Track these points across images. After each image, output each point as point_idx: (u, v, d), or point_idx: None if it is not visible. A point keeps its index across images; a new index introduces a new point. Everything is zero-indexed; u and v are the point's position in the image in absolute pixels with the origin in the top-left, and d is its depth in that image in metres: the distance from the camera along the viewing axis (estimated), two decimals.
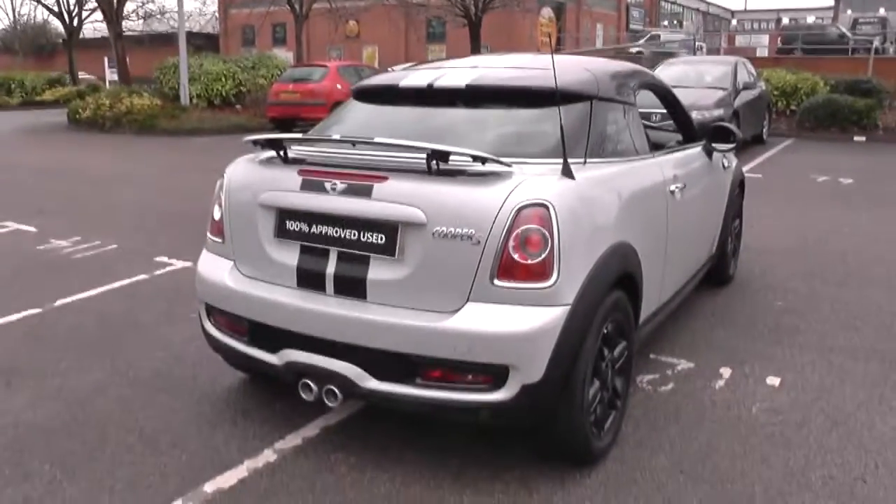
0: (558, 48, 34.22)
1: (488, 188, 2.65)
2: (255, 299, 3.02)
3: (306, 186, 2.90)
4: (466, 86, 3.21)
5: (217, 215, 3.29)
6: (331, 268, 2.84)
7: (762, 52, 30.17)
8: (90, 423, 3.38)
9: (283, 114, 16.25)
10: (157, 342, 4.32)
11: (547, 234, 2.58)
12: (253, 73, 18.98)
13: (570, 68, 3.35)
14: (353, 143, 2.91)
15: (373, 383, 2.74)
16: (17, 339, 4.39)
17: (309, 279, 2.90)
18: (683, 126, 4.44)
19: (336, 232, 2.83)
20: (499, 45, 26.12)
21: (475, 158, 2.68)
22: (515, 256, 2.58)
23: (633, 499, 2.79)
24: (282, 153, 3.06)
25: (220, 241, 3.26)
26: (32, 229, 7.17)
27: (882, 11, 40.29)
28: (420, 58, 31.96)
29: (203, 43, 35.70)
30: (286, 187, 2.96)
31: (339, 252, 2.84)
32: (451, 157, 2.68)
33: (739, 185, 5.33)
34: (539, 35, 33.90)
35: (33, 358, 4.10)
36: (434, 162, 2.69)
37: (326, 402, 2.85)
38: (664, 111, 4.39)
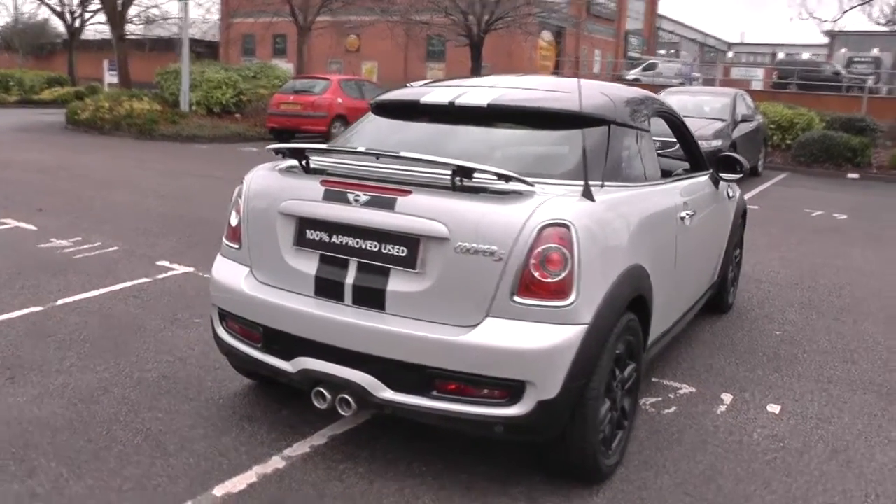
0: (556, 72, 34.52)
1: (511, 206, 2.70)
2: (271, 306, 3.04)
3: (329, 196, 2.93)
4: (488, 105, 3.26)
5: (234, 221, 3.32)
6: (350, 278, 2.88)
7: (757, 86, 30.54)
8: (96, 421, 3.38)
9: (284, 125, 16.30)
10: (162, 345, 4.33)
11: (567, 253, 2.63)
12: (254, 82, 19.03)
13: (589, 92, 3.42)
14: (377, 156, 2.95)
15: (387, 393, 2.77)
16: (19, 336, 4.38)
17: (327, 288, 2.93)
18: (692, 154, 4.51)
19: (357, 243, 2.87)
20: (499, 66, 26.28)
21: (500, 176, 2.72)
22: (536, 274, 2.63)
23: None
24: (303, 163, 3.10)
25: (236, 247, 3.28)
26: (33, 227, 7.16)
27: (875, 52, 40.94)
28: (419, 75, 32.10)
29: (204, 51, 35.77)
30: (308, 196, 3.00)
31: (359, 263, 2.87)
32: (475, 174, 2.73)
33: (742, 214, 5.42)
34: (538, 58, 34.22)
35: (36, 354, 4.10)
36: (458, 178, 2.74)
37: (339, 410, 2.87)
38: (665, 138, 4.44)
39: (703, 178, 4.37)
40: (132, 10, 23.42)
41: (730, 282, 5.32)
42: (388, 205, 2.80)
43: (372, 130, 3.59)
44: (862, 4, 17.12)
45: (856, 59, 36.73)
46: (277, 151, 3.22)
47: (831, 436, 3.58)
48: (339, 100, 16.29)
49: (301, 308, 2.96)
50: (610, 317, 2.77)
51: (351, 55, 36.02)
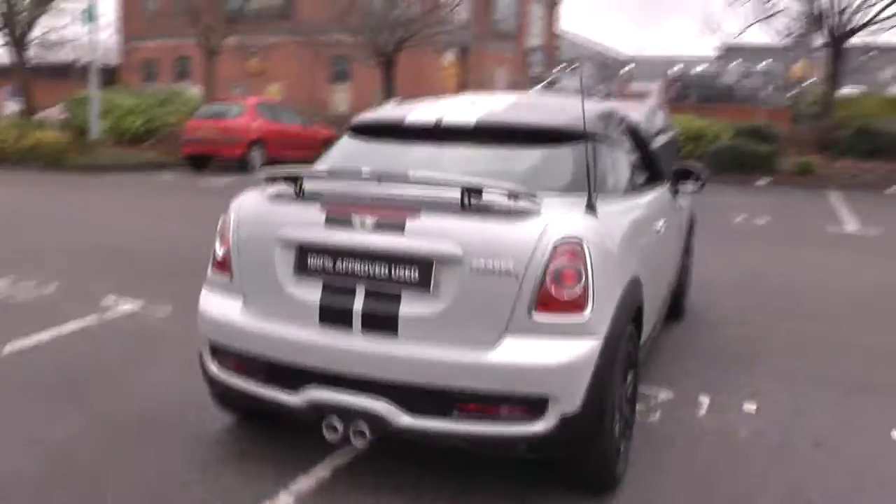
0: (461, 91, 34.99)
1: (523, 224, 2.73)
2: (273, 338, 2.96)
3: (331, 222, 2.89)
4: (476, 123, 3.28)
5: (221, 252, 3.21)
6: (358, 304, 2.83)
7: (651, 98, 31.59)
8: (79, 473, 3.19)
9: (200, 151, 15.86)
10: (129, 388, 4.11)
11: (581, 268, 2.68)
12: (164, 108, 18.46)
13: (569, 108, 3.50)
14: (379, 179, 2.92)
15: (406, 419, 2.74)
16: None
17: (333, 316, 2.87)
18: (651, 166, 4.66)
19: (364, 268, 2.83)
20: (406, 86, 26.28)
21: (509, 194, 2.75)
22: (552, 290, 2.66)
23: None
24: (298, 188, 3.04)
25: (226, 278, 3.17)
26: None
27: (763, 64, 43.46)
28: (324, 97, 31.89)
29: (102, 76, 34.34)
30: (307, 222, 2.94)
31: (367, 288, 2.83)
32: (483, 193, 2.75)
33: (690, 223, 5.63)
34: (444, 77, 34.60)
35: None
36: (467, 197, 2.75)
37: (353, 441, 2.81)
38: None
39: (664, 189, 4.53)
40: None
41: (684, 288, 5.51)
42: (398, 228, 2.77)
43: (353, 153, 3.55)
44: (765, 19, 18.21)
45: (750, 72, 38.85)
46: (270, 179, 3.15)
47: (809, 429, 3.76)
48: (256, 124, 15.98)
49: (306, 338, 2.89)
50: (620, 327, 2.83)
51: (254, 78, 35.43)
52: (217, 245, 3.26)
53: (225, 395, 3.30)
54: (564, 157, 3.23)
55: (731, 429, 3.74)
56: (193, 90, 21.72)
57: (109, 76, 37.83)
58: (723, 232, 9.67)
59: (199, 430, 3.61)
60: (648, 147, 4.54)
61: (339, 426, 2.81)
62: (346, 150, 3.60)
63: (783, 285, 6.78)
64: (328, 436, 2.85)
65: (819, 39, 18.11)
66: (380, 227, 2.80)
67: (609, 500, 3.00)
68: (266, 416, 3.54)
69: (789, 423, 3.83)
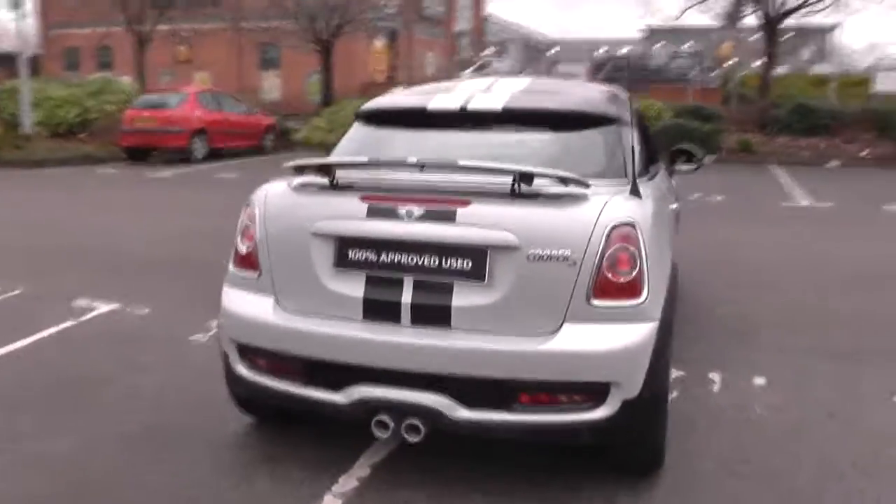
0: (392, 76, 34.72)
1: (577, 209, 2.69)
2: (313, 336, 2.84)
3: (374, 213, 2.78)
4: (503, 108, 3.21)
5: (245, 248, 3.06)
6: (407, 297, 2.74)
7: (582, 80, 31.92)
8: (96, 488, 3.01)
9: (140, 142, 15.25)
10: (127, 394, 3.91)
11: (636, 252, 2.65)
12: (99, 98, 17.63)
13: (587, 92, 3.46)
14: (422, 167, 2.82)
15: (464, 413, 2.67)
16: None
17: (379, 310, 2.78)
18: (649, 147, 4.68)
19: (412, 259, 2.74)
20: (338, 72, 25.67)
21: (560, 179, 2.70)
22: (609, 275, 2.63)
23: (706, 502, 2.91)
24: (332, 179, 2.92)
25: (253, 275, 3.02)
26: None
27: (687, 46, 44.47)
28: (254, 84, 31.22)
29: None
30: (347, 215, 2.82)
31: (415, 280, 2.74)
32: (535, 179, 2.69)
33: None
34: (374, 62, 34.24)
35: None
36: (518, 184, 2.68)
37: (407, 437, 2.73)
38: None
39: (663, 170, 4.56)
40: None
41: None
42: (448, 217, 2.69)
43: (371, 142, 3.42)
44: (700, 2, 18.62)
45: (678, 54, 39.73)
46: (299, 169, 3.02)
47: (819, 400, 3.86)
48: (198, 113, 15.47)
49: (351, 334, 2.78)
50: (670, 310, 2.83)
51: (182, 65, 34.35)
52: (239, 240, 3.10)
53: (255, 398, 3.16)
54: (594, 142, 3.19)
55: (747, 404, 3.80)
56: (125, 80, 20.84)
57: (32, 66, 36.04)
58: (684, 208, 9.85)
59: (215, 434, 3.46)
60: (646, 129, 4.56)
61: (391, 423, 2.72)
62: (363, 139, 3.46)
63: (759, 260, 6.96)
64: (378, 433, 2.76)
65: (755, 21, 18.63)
66: (429, 216, 2.71)
67: (654, 479, 3.02)
68: (287, 417, 3.43)
69: (799, 395, 3.92)
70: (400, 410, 2.71)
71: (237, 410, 3.47)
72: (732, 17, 19.26)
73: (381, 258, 2.77)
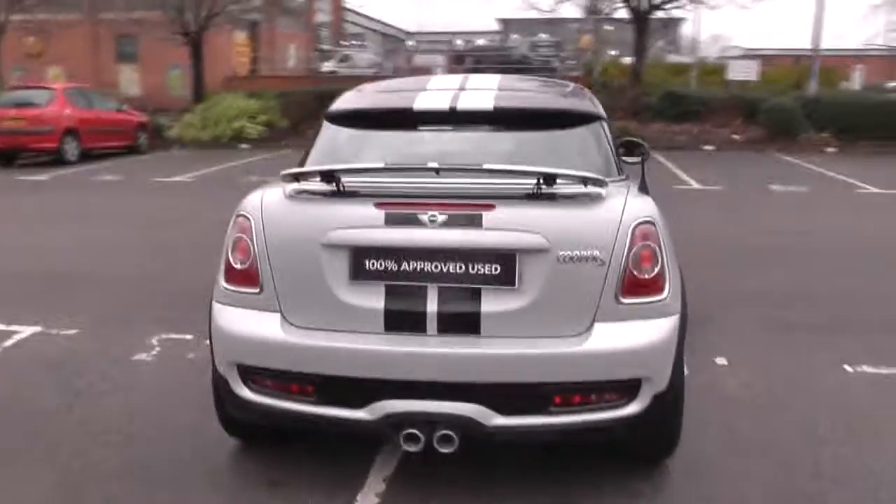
0: (253, 69, 33.75)
1: (601, 209, 2.71)
2: (330, 352, 2.71)
3: (394, 220, 2.68)
4: (494, 108, 3.17)
5: (241, 262, 2.86)
6: (432, 306, 2.66)
7: (438, 71, 32.05)
8: None
9: (6, 144, 13.97)
10: (88, 426, 3.57)
11: (657, 248, 2.71)
12: None
13: (570, 90, 3.49)
14: (437, 171, 2.74)
15: (499, 420, 2.63)
16: None
17: (402, 321, 2.69)
18: None
19: (435, 267, 2.66)
20: (210, 66, 24.49)
21: (581, 180, 2.71)
22: (636, 273, 2.67)
23: (719, 484, 3.04)
24: (338, 186, 2.79)
25: (252, 291, 2.84)
26: None
27: (542, 36, 45.82)
28: (111, 79, 29.40)
29: None
30: (362, 223, 2.70)
31: (440, 288, 2.67)
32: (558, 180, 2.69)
33: None
34: (235, 55, 33.04)
35: None
36: (540, 186, 2.67)
37: (439, 448, 2.66)
38: None
39: None
40: None
41: None
42: (475, 222, 2.64)
43: (355, 145, 3.29)
44: None
45: (538, 44, 40.88)
46: (296, 177, 2.86)
47: (780, 374, 4.13)
48: (68, 111, 14.33)
49: (373, 347, 2.68)
50: (685, 303, 2.90)
51: (32, 60, 31.80)
52: (230, 254, 2.89)
53: (261, 421, 2.97)
54: (585, 139, 3.23)
55: (719, 384, 3.99)
56: None
57: None
58: None
59: (208, 462, 3.23)
60: None
61: (422, 435, 2.64)
62: (343, 142, 3.31)
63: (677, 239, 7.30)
64: (408, 447, 2.68)
65: (625, 14, 19.48)
66: (454, 222, 2.64)
67: (664, 465, 3.12)
68: (278, 437, 3.27)
69: (761, 371, 4.17)
70: (433, 422, 2.63)
71: (216, 435, 3.28)
72: (593, 10, 20.19)
73: (402, 267, 2.68)
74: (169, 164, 14.87)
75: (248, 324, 2.82)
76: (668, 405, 2.77)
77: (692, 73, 22.66)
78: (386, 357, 2.66)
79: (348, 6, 49.54)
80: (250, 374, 2.85)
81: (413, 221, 2.66)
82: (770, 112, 16.19)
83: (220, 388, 2.96)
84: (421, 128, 3.27)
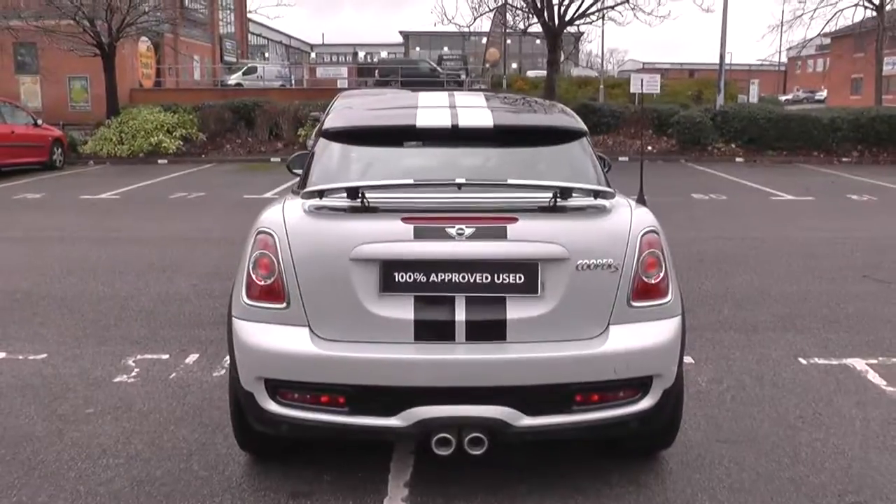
0: (159, 81, 32.87)
1: (612, 219, 2.93)
2: (361, 363, 2.81)
3: (423, 234, 2.81)
4: (494, 125, 3.31)
5: (264, 278, 2.92)
6: (460, 315, 2.81)
7: (342, 84, 31.81)
8: None
9: None
10: (82, 449, 3.50)
11: (660, 255, 2.96)
12: None
13: (556, 108, 3.71)
14: (459, 186, 2.90)
15: (527, 420, 2.80)
16: None
17: (432, 330, 2.82)
18: None
19: (463, 277, 2.81)
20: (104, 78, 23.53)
21: (595, 193, 2.92)
22: (644, 278, 2.90)
23: (715, 471, 3.29)
24: (362, 201, 2.90)
25: (279, 306, 2.90)
26: None
27: (446, 49, 46.51)
28: (10, 89, 27.98)
29: None
30: (392, 237, 2.82)
31: (467, 297, 2.82)
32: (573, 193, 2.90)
33: None
34: (139, 66, 32.09)
35: None
36: (556, 199, 2.87)
37: (470, 451, 2.81)
38: None
39: None
40: None
41: None
42: (500, 234, 2.80)
43: (359, 162, 3.38)
44: (491, 11, 19.73)
45: (446, 58, 41.53)
46: (319, 194, 2.95)
47: (743, 368, 4.47)
48: None
49: (404, 356, 2.80)
50: (683, 304, 3.15)
51: None
52: (251, 270, 2.94)
53: (288, 434, 3.01)
54: (577, 155, 3.40)
55: (690, 380, 4.26)
56: None
57: None
58: None
59: (224, 478, 3.23)
60: None
61: (453, 439, 2.78)
62: (350, 160, 3.38)
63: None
64: (440, 451, 2.81)
65: (538, 28, 20.08)
66: (480, 234, 2.80)
67: (660, 457, 3.37)
68: (288, 449, 3.34)
69: (726, 367, 4.50)
70: (464, 427, 2.78)
71: (226, 451, 3.36)
72: (502, 24, 20.81)
73: (431, 278, 2.81)
74: (90, 180, 14.37)
75: (276, 338, 2.88)
76: (676, 398, 3.02)
77: (600, 86, 23.57)
78: (417, 365, 2.79)
79: (253, 18, 48.82)
80: (278, 388, 2.91)
81: (442, 235, 2.80)
82: (681, 124, 17.08)
83: (245, 402, 2.99)
84: (419, 145, 3.40)
